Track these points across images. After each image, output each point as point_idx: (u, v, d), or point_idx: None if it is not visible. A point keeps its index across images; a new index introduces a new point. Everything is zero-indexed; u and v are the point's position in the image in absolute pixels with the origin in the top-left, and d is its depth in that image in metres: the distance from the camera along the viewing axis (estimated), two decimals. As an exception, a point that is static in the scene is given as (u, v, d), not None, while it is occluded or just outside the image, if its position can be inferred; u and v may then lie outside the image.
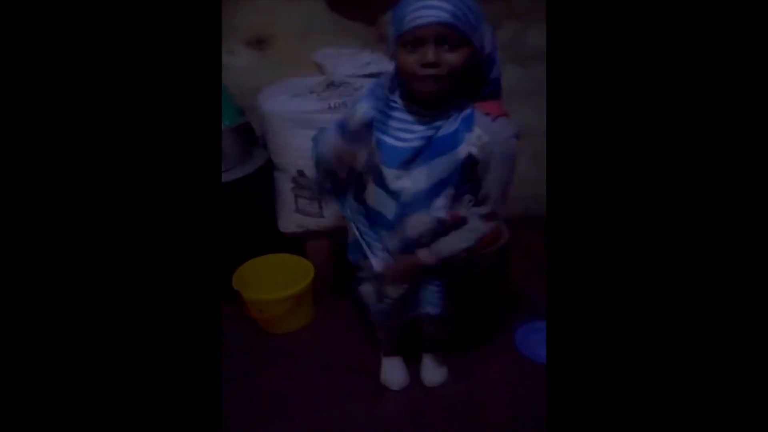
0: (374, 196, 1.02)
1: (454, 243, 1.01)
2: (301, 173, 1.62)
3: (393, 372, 1.42)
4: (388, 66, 0.99)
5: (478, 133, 0.91)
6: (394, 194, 0.98)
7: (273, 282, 1.61)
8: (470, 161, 0.92)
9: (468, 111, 0.91)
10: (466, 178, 0.95)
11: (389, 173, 0.96)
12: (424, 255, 1.03)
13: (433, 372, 1.42)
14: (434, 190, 0.95)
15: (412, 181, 0.95)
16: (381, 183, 0.99)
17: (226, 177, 1.61)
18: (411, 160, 0.94)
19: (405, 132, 0.94)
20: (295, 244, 1.77)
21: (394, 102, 0.95)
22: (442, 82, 0.86)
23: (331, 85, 1.53)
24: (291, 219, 1.72)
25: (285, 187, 1.68)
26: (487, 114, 0.91)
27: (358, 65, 1.52)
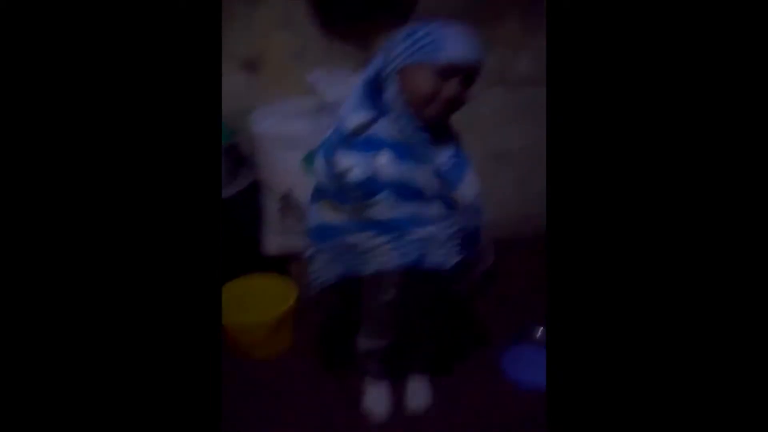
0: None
1: None
2: (288, 194, 1.60)
3: (376, 399, 1.33)
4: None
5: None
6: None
7: (254, 304, 1.55)
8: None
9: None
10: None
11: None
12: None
13: (418, 395, 1.34)
14: None
15: None
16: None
17: (211, 197, 1.58)
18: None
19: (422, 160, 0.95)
20: (278, 265, 1.72)
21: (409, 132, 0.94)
22: (452, 112, 0.90)
23: (323, 107, 1.54)
24: (276, 240, 1.68)
25: (272, 207, 1.66)
26: None
27: (351, 87, 1.53)
